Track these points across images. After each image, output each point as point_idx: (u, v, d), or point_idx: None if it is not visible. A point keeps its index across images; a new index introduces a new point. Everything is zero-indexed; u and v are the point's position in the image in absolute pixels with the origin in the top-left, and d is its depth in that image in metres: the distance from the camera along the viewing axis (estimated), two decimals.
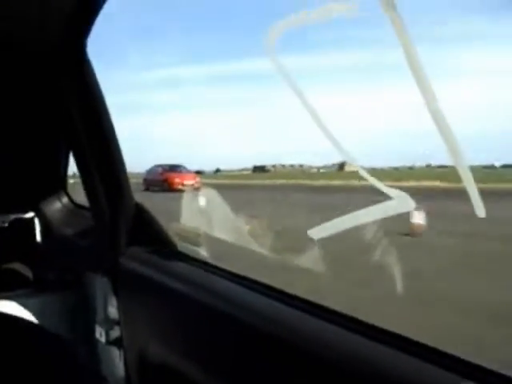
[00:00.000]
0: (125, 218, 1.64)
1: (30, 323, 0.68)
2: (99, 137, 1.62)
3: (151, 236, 1.63)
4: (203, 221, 1.60)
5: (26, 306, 1.90)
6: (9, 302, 1.89)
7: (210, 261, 1.46)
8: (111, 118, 1.61)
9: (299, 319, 1.01)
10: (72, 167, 1.97)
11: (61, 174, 2.13)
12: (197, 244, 1.50)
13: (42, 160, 2.06)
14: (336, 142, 0.86)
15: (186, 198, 1.65)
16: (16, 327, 0.68)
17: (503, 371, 0.73)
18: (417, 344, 0.84)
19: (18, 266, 2.05)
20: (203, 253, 1.49)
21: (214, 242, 1.49)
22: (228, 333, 1.13)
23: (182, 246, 1.56)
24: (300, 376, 0.92)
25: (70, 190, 2.21)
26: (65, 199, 2.19)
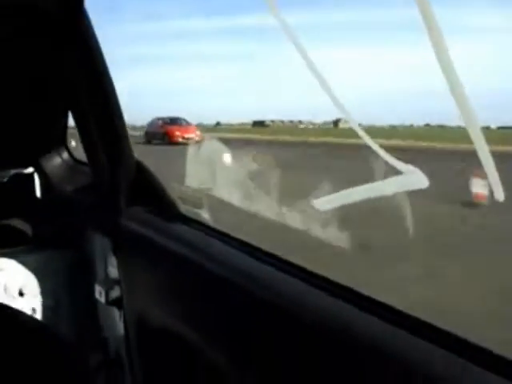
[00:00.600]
0: (125, 177, 1.61)
1: (24, 315, 0.67)
2: (98, 93, 1.58)
3: (152, 196, 1.60)
4: (207, 180, 1.57)
5: (24, 263, 1.89)
6: (7, 259, 1.87)
7: (212, 224, 1.44)
8: (110, 74, 1.56)
9: (298, 288, 1.00)
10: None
11: (61, 129, 2.08)
12: (199, 206, 1.47)
13: (41, 115, 2.01)
14: (335, 99, 0.82)
15: (190, 153, 1.61)
16: (13, 317, 0.66)
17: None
18: (410, 318, 0.83)
19: (16, 223, 2.03)
20: (205, 215, 1.46)
21: (217, 203, 1.46)
22: (226, 297, 1.13)
23: (184, 208, 1.53)
24: (295, 342, 0.93)
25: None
26: (65, 155, 2.15)
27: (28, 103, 1.93)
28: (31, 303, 1.87)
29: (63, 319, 1.92)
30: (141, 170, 1.62)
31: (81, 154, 2.04)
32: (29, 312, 1.84)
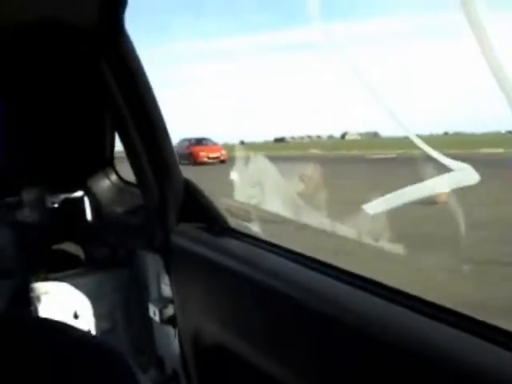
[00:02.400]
0: (174, 195, 1.61)
1: (71, 327, 0.66)
2: (142, 112, 1.58)
3: (201, 212, 1.59)
4: (254, 194, 1.58)
5: (77, 286, 1.91)
6: (61, 282, 1.90)
7: (263, 237, 1.43)
8: (154, 93, 1.56)
9: (355, 298, 0.97)
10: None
11: (108, 151, 2.11)
12: (248, 219, 1.48)
13: (88, 138, 2.04)
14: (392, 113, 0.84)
15: (235, 169, 1.62)
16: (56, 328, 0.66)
17: None
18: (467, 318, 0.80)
19: (68, 246, 2.05)
20: (255, 228, 1.46)
21: (266, 216, 1.46)
22: (282, 311, 1.10)
23: (233, 222, 1.54)
24: (358, 357, 0.89)
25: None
26: (113, 176, 2.17)
27: (73, 127, 1.96)
28: (86, 325, 1.90)
29: (119, 339, 1.94)
30: (189, 187, 1.63)
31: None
32: None
